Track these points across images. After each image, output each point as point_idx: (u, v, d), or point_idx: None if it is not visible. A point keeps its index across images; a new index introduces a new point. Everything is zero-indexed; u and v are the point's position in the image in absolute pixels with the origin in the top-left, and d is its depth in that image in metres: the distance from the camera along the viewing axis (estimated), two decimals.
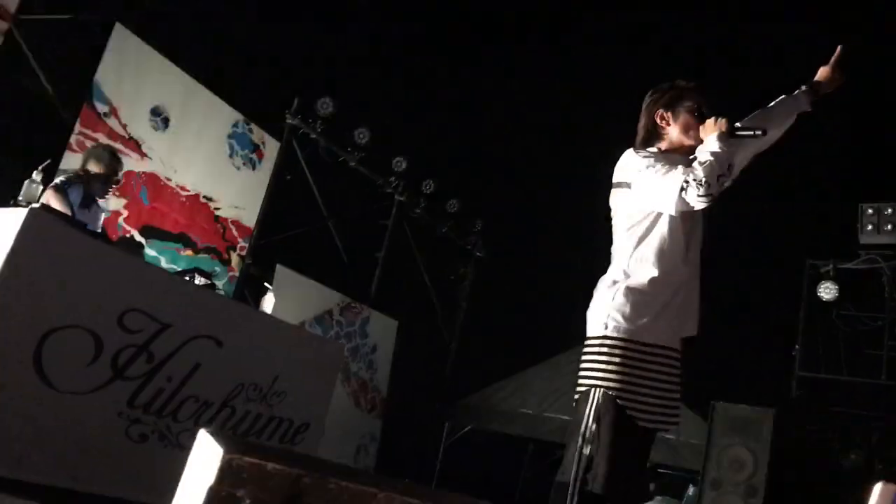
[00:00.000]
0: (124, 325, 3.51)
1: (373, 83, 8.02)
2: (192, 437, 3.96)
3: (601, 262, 2.73)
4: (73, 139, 5.57)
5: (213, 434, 0.99)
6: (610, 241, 2.69)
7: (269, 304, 4.69)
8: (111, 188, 4.58)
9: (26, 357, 3.18)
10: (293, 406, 4.42)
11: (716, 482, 6.22)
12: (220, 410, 4.02)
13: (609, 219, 2.70)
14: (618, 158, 2.65)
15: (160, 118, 6.22)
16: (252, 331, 4.23)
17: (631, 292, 2.52)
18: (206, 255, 6.66)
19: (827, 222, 8.18)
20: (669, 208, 2.50)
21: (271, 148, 7.33)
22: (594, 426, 2.43)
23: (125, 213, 5.96)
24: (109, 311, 3.46)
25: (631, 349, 2.48)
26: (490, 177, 9.78)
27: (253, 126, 7.11)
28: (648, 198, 2.53)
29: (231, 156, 6.90)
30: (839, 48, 2.87)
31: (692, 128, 2.63)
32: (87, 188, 4.39)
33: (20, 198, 3.49)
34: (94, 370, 3.43)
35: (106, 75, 5.79)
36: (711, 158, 2.42)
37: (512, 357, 9.36)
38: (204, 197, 6.68)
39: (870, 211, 7.28)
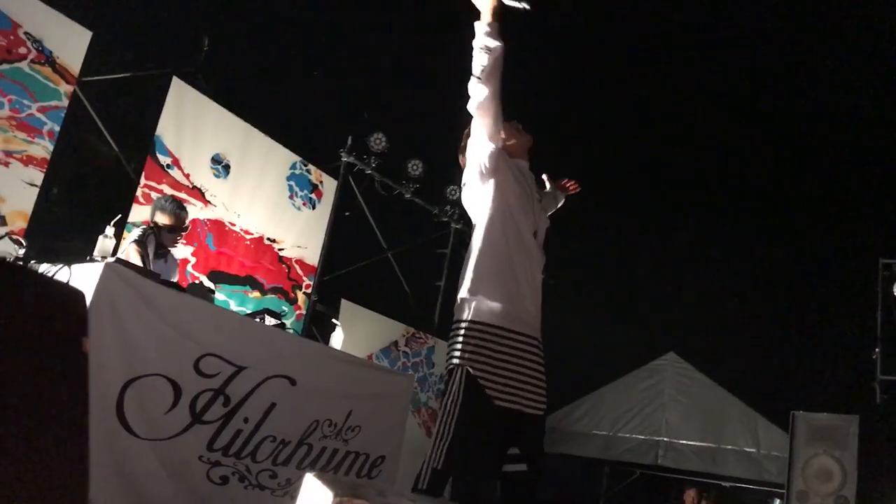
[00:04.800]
0: (200, 370, 3.58)
1: (422, 116, 8.09)
2: (272, 477, 4.00)
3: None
4: (139, 192, 5.74)
5: (319, 478, 1.01)
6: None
7: (337, 339, 4.74)
8: (180, 236, 4.70)
9: (109, 406, 3.26)
10: (368, 440, 4.44)
11: (802, 495, 6.01)
12: (297, 448, 4.07)
13: None
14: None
15: (221, 165, 6.38)
16: (324, 367, 4.27)
17: (475, 275, 2.67)
18: (273, 296, 6.78)
19: None
20: (472, 110, 2.75)
21: (329, 186, 7.44)
22: (453, 404, 2.54)
23: (193, 260, 6.10)
24: (186, 357, 3.54)
25: (480, 331, 2.60)
26: None
27: (310, 166, 7.24)
28: (472, 139, 2.82)
29: (291, 197, 7.03)
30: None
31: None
32: (158, 239, 4.49)
33: (95, 253, 3.59)
34: (174, 416, 3.50)
35: (166, 128, 5.97)
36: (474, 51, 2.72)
37: (583, 378, 9.24)
38: (268, 239, 6.81)
39: None
